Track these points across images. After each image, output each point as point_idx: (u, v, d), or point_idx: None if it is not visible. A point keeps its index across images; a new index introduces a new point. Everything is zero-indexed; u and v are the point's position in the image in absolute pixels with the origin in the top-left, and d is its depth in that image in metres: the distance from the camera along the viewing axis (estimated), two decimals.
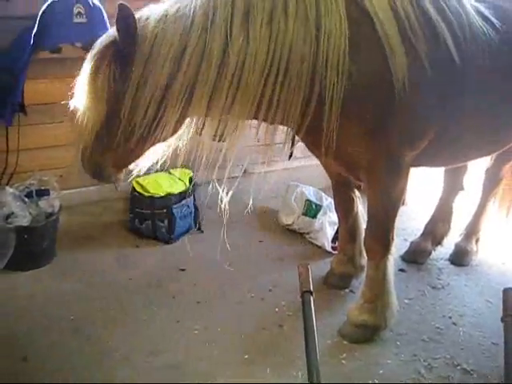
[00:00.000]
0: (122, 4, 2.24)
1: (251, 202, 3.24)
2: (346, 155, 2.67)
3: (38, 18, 3.17)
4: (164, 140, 2.50)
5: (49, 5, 3.19)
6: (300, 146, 3.14)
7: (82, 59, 3.45)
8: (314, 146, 2.78)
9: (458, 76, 2.52)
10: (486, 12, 2.64)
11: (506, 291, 1.82)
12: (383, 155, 2.62)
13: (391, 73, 2.36)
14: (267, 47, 2.25)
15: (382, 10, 2.36)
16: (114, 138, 2.39)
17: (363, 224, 3.21)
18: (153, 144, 2.49)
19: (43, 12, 3.18)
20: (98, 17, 3.31)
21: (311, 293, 1.82)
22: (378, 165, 2.65)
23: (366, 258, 2.98)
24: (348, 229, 3.32)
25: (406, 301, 3.27)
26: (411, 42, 2.39)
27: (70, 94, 3.16)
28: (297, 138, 3.12)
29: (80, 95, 2.43)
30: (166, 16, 2.30)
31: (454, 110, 2.60)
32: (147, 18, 2.32)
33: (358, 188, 3.28)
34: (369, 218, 2.90)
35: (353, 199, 3.26)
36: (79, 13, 3.23)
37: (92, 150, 2.47)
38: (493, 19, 2.63)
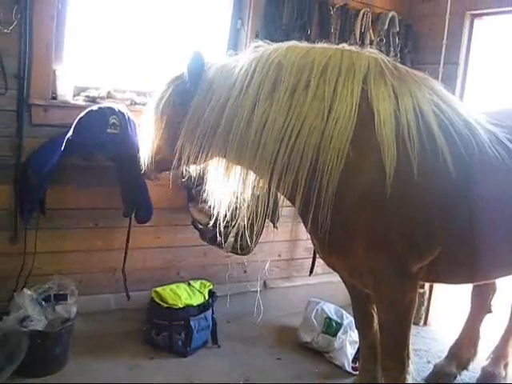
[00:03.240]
0: (197, 52, 2.70)
1: (270, 318, 3.20)
2: (349, 260, 2.68)
3: (74, 124, 3.29)
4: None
5: (86, 113, 3.33)
6: (321, 261, 3.16)
7: (110, 168, 3.63)
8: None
9: (459, 192, 2.56)
10: (504, 138, 2.72)
11: None
12: (386, 264, 2.60)
13: (383, 167, 2.47)
14: (285, 115, 2.55)
15: (384, 110, 2.53)
16: (165, 154, 2.85)
17: None
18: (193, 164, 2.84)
19: (80, 119, 3.31)
20: (130, 129, 3.42)
21: None
22: (382, 274, 2.64)
23: (383, 377, 2.86)
24: (368, 346, 3.20)
25: None
26: (405, 145, 2.50)
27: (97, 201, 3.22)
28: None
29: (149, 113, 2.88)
30: (222, 70, 2.71)
31: (458, 225, 2.61)
32: (210, 67, 2.73)
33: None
34: (380, 332, 2.82)
35: (372, 315, 3.16)
36: (114, 124, 3.35)
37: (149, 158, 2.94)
38: (510, 145, 2.70)
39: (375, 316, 3.14)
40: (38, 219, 3.48)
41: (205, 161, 2.77)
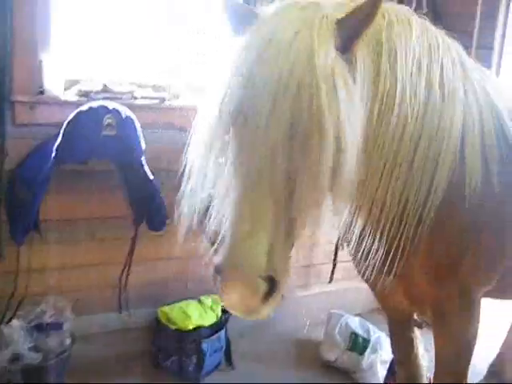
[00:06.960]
0: None
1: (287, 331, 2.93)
2: (410, 284, 2.29)
3: (63, 130, 2.92)
4: None
5: (75, 116, 2.95)
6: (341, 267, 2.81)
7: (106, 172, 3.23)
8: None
9: None
10: None
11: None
12: (452, 291, 2.27)
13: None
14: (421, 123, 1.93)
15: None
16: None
17: (424, 370, 2.82)
18: None
19: (68, 123, 2.94)
20: (128, 129, 3.07)
21: None
22: (446, 304, 2.31)
23: None
24: (406, 375, 2.86)
25: None
26: (487, 161, 2.13)
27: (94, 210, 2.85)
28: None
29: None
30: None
31: None
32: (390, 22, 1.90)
33: (419, 326, 2.91)
34: (437, 366, 2.47)
35: (412, 340, 2.83)
36: (109, 124, 2.99)
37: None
38: None
39: (415, 341, 2.83)
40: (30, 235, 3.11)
41: None
